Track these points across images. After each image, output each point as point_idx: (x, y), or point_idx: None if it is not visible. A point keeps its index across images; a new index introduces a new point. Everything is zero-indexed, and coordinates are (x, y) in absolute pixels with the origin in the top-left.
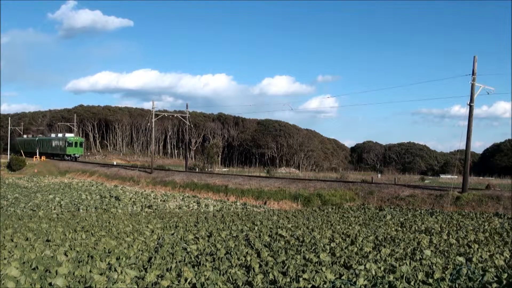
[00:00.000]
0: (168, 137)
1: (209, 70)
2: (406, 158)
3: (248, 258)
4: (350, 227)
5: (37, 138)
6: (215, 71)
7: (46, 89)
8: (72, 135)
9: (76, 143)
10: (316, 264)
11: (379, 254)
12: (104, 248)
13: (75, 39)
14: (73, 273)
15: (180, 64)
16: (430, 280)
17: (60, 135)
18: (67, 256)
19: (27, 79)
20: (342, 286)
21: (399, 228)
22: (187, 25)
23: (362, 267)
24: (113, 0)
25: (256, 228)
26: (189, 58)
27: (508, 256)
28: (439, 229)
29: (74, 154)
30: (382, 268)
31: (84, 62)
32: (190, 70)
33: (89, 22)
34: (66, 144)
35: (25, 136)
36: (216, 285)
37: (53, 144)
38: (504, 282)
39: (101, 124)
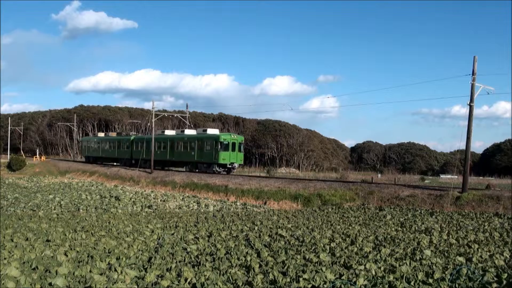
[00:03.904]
0: None
1: (211, 71)
2: (406, 158)
3: (248, 258)
4: (350, 227)
5: (145, 137)
6: (217, 71)
7: (47, 89)
8: (217, 131)
9: (233, 144)
10: (316, 264)
11: (379, 254)
12: (104, 248)
13: (78, 40)
14: (73, 273)
15: (182, 64)
16: (430, 280)
17: (192, 132)
18: (67, 256)
19: (29, 79)
20: (342, 286)
21: (399, 228)
22: (189, 26)
23: (362, 267)
24: (118, 1)
25: (256, 228)
26: (191, 58)
27: (508, 256)
28: (439, 229)
29: (231, 164)
30: (382, 268)
31: (85, 62)
32: (192, 70)
33: (93, 23)
34: (218, 146)
35: (101, 134)
36: (216, 285)
37: (187, 147)
38: (504, 282)
39: (101, 124)
